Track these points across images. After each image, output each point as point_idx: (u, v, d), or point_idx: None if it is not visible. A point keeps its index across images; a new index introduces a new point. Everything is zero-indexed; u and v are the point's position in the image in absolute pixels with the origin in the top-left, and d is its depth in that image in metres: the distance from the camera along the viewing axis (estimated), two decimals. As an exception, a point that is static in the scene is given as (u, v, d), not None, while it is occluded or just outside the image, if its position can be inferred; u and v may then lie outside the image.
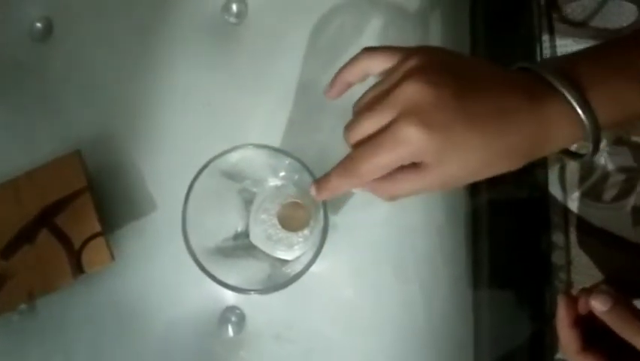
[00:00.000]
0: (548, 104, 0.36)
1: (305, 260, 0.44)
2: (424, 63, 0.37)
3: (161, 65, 0.56)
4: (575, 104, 0.35)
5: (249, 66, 0.55)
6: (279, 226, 0.49)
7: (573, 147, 0.41)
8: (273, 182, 0.50)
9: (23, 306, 0.52)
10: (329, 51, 0.54)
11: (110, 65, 0.57)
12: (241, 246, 0.50)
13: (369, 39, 0.53)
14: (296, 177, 0.49)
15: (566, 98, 0.36)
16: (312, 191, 0.40)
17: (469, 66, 0.37)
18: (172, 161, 0.54)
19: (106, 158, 0.55)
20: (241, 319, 0.52)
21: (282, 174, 0.50)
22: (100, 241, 0.50)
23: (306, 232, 0.49)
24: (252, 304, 0.52)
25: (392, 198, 0.39)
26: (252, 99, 0.55)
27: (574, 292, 0.44)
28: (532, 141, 0.36)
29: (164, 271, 0.52)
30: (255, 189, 0.50)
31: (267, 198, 0.50)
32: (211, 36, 0.56)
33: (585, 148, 0.38)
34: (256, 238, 0.49)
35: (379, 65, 0.39)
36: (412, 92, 0.35)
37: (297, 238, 0.49)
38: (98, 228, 0.50)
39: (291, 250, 0.49)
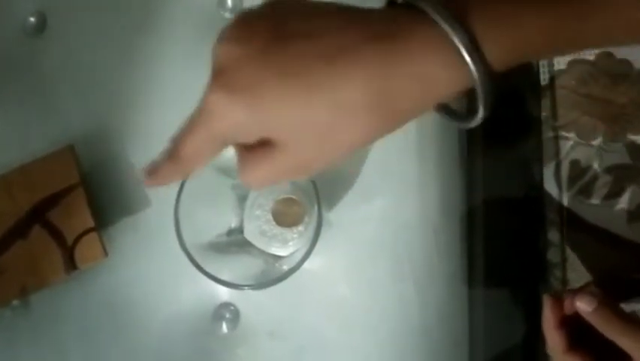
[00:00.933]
0: (405, 36, 0.28)
1: (299, 256, 0.44)
2: (239, 19, 0.30)
3: (155, 61, 0.56)
4: (445, 26, 0.27)
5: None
6: (274, 222, 0.49)
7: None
8: None
9: (16, 302, 0.52)
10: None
11: (104, 60, 0.57)
12: (235, 242, 0.50)
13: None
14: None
15: (434, 25, 0.27)
16: (141, 176, 0.33)
17: (307, 12, 0.30)
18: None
19: (99, 153, 0.54)
20: (235, 315, 0.52)
21: None
22: (93, 236, 0.50)
23: (300, 228, 0.49)
24: (246, 301, 0.52)
25: (248, 184, 0.32)
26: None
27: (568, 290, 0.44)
28: (379, 90, 0.28)
29: (157, 267, 0.52)
30: None
31: (262, 194, 0.50)
32: (206, 31, 0.55)
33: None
34: (250, 233, 0.49)
35: None
36: (218, 52, 0.30)
37: (292, 234, 0.49)
38: (91, 223, 0.50)
39: (286, 246, 0.49)
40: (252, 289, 0.44)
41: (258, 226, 0.49)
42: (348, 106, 0.28)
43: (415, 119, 0.30)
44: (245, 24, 0.30)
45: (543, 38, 0.29)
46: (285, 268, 0.45)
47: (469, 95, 0.30)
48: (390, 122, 0.29)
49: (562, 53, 0.30)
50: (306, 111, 0.28)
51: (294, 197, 0.49)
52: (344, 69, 0.28)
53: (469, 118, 0.31)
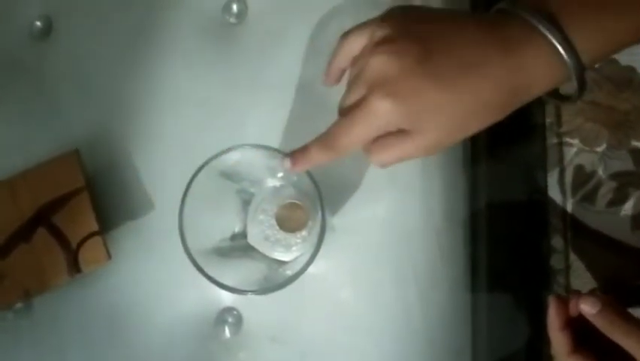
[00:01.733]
0: (524, 49, 0.35)
1: (302, 261, 0.44)
2: (387, 34, 0.37)
3: (160, 65, 0.56)
4: (554, 41, 0.35)
5: (249, 66, 0.55)
6: (277, 227, 0.49)
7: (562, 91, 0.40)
8: (272, 183, 0.50)
9: (19, 305, 0.52)
10: (329, 51, 0.54)
11: (109, 65, 0.57)
12: (238, 247, 0.50)
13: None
14: (294, 177, 0.49)
15: (544, 37, 0.35)
16: (287, 163, 0.41)
17: (438, 24, 0.37)
18: (170, 160, 0.54)
19: (104, 157, 0.55)
20: (238, 320, 0.52)
21: (280, 174, 0.50)
22: (97, 240, 0.50)
23: (304, 233, 0.49)
24: (249, 306, 0.52)
25: (382, 163, 0.39)
26: (252, 99, 0.54)
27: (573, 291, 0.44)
28: (509, 91, 0.36)
29: (160, 271, 0.52)
30: (252, 190, 0.50)
31: (265, 198, 0.50)
32: (211, 36, 0.56)
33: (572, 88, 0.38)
34: (254, 238, 0.49)
35: (357, 44, 0.41)
36: (378, 65, 0.37)
37: (295, 239, 0.49)
38: (95, 227, 0.50)
39: (289, 251, 0.49)
40: (255, 294, 0.44)
41: (262, 231, 0.49)
42: (487, 105, 0.36)
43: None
44: (392, 40, 0.37)
45: (621, 37, 0.36)
46: (289, 273, 0.45)
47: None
48: (504, 114, 0.37)
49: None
50: (455, 110, 0.36)
51: (297, 202, 0.49)
52: (486, 76, 0.35)
53: (568, 99, 0.39)
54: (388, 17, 0.39)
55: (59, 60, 0.58)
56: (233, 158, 0.45)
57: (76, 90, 0.57)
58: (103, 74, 0.57)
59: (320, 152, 0.40)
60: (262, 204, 0.50)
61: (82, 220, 0.49)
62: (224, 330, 0.51)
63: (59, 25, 0.58)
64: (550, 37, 0.35)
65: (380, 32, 0.38)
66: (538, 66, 0.36)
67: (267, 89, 0.54)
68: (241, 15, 0.56)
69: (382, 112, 0.36)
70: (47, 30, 0.58)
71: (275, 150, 0.45)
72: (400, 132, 0.37)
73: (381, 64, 0.36)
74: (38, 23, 0.59)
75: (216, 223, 0.50)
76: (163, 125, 0.55)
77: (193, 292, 0.51)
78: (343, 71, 0.44)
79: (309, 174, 0.44)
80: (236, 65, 0.55)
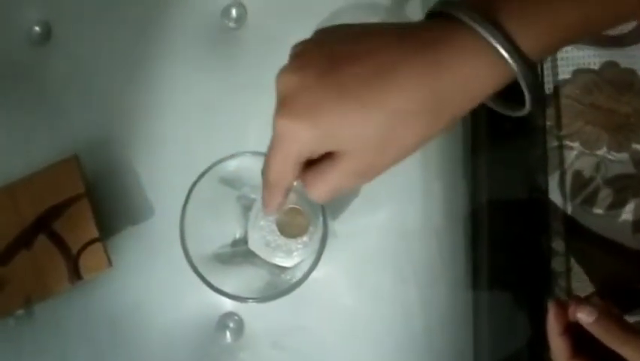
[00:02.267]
0: (443, 44, 0.31)
1: (304, 267, 0.44)
2: (297, 50, 0.34)
3: (160, 70, 0.56)
4: (479, 29, 0.30)
5: (249, 71, 0.55)
6: (278, 233, 0.49)
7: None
8: None
9: (20, 311, 0.51)
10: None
11: (108, 70, 0.57)
12: (239, 253, 0.50)
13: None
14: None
15: (468, 28, 0.30)
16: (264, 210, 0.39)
17: (352, 33, 0.33)
18: (170, 166, 0.54)
19: (104, 162, 0.54)
20: (239, 325, 0.52)
21: None
22: (98, 246, 0.49)
23: (305, 238, 0.48)
24: (250, 311, 0.52)
25: (318, 197, 0.35)
26: (251, 104, 0.54)
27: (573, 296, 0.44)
28: (432, 94, 0.31)
29: (161, 277, 0.52)
30: (253, 196, 0.50)
31: None
32: (210, 40, 0.56)
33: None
34: (254, 244, 0.49)
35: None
36: (280, 85, 0.34)
37: (296, 244, 0.49)
38: (95, 233, 0.50)
39: (290, 256, 0.49)
40: (257, 302, 0.44)
41: (263, 237, 0.49)
42: (402, 114, 0.31)
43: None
44: (300, 55, 0.33)
45: (571, 20, 0.31)
46: (289, 278, 0.45)
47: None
48: (441, 123, 0.32)
49: (589, 34, 0.34)
50: (365, 123, 0.31)
51: (298, 207, 0.49)
52: (394, 82, 0.31)
53: (519, 107, 0.34)
54: (307, 39, 0.35)
55: (59, 65, 0.58)
56: (233, 164, 0.45)
57: (77, 95, 0.57)
58: (103, 79, 0.57)
59: (265, 193, 0.37)
60: (263, 210, 0.50)
61: (82, 227, 0.49)
62: (225, 335, 0.51)
63: (58, 31, 0.58)
64: (476, 27, 0.30)
65: (291, 51, 0.34)
66: (467, 63, 0.31)
67: (267, 93, 0.54)
68: (240, 19, 0.56)
69: (289, 134, 0.32)
70: (47, 35, 0.58)
71: None
72: (330, 157, 0.33)
73: (282, 82, 0.33)
74: (37, 29, 0.58)
75: (217, 230, 0.50)
76: (163, 130, 0.55)
77: (194, 297, 0.51)
78: None
79: None
80: (236, 70, 0.55)
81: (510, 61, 0.30)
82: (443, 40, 0.31)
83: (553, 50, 0.33)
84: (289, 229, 0.48)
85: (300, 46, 0.34)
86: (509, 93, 0.34)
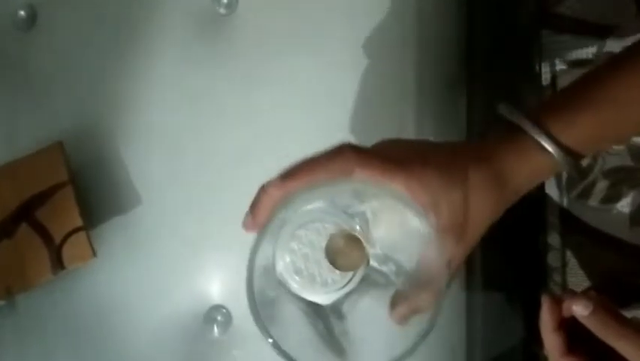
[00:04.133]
0: (496, 145, 0.37)
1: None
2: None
3: (147, 57, 0.55)
4: (541, 139, 0.36)
5: (239, 59, 0.54)
6: (312, 259, 0.39)
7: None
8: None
9: (1, 302, 0.50)
10: (320, 43, 0.53)
11: (95, 56, 0.56)
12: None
13: (364, 31, 0.52)
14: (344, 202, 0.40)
15: (528, 135, 0.37)
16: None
17: (414, 143, 0.39)
18: (157, 154, 0.53)
19: (89, 150, 0.54)
20: (227, 318, 0.51)
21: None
22: (81, 235, 0.49)
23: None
24: (238, 303, 0.51)
25: None
26: (241, 93, 0.54)
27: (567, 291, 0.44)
28: (498, 188, 0.38)
29: (147, 268, 0.52)
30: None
31: (303, 225, 0.39)
32: (199, 27, 0.55)
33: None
34: (283, 271, 0.39)
35: None
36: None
37: (333, 275, 0.38)
38: (79, 222, 0.49)
39: (326, 289, 0.39)
40: None
41: (292, 263, 0.39)
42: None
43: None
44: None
45: (600, 131, 0.38)
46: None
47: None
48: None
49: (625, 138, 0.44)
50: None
51: (359, 236, 0.38)
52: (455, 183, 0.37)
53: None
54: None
55: (44, 51, 0.57)
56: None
57: (61, 82, 0.56)
58: (89, 66, 0.56)
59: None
60: (299, 230, 0.39)
61: (65, 215, 0.49)
62: (213, 328, 0.51)
63: (44, 15, 0.57)
64: (536, 136, 0.37)
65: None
66: (522, 157, 0.37)
67: (258, 82, 0.54)
68: (231, 6, 0.55)
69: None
70: (32, 20, 0.57)
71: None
72: None
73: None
74: (22, 13, 0.58)
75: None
76: (149, 117, 0.54)
77: (181, 288, 0.51)
78: None
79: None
80: (226, 58, 0.55)
81: (562, 164, 0.37)
82: (504, 148, 0.38)
83: (592, 151, 0.40)
84: (343, 259, 0.39)
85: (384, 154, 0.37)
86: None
